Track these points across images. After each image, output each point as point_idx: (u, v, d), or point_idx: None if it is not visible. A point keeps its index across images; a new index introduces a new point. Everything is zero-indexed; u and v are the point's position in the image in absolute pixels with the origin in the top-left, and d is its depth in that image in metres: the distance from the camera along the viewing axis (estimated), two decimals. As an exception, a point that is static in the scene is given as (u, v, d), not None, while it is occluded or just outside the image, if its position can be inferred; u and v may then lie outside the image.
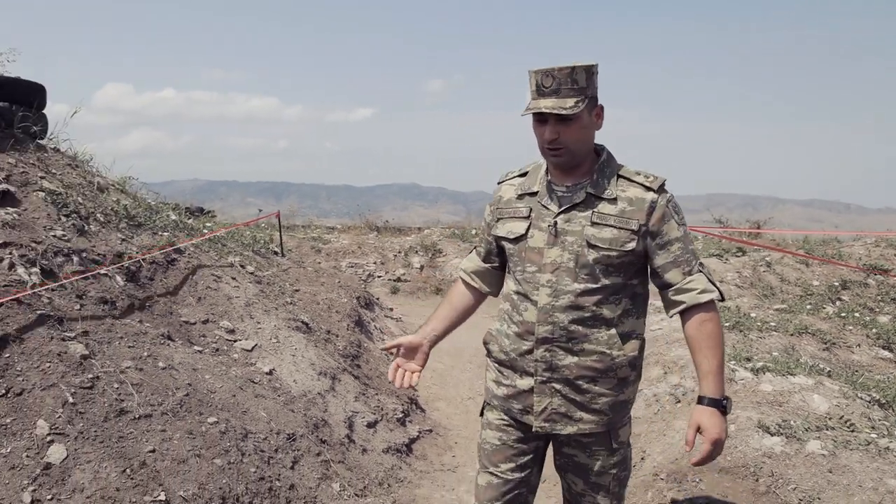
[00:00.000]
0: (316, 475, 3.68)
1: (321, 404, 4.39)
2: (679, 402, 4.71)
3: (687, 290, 1.91)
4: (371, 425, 4.64)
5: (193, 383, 3.69)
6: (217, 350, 4.33)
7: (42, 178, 4.73)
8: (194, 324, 4.49)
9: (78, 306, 3.82)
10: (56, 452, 2.90)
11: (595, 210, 1.93)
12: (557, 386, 1.98)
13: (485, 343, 2.20)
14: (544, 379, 1.98)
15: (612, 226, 1.89)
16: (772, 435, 4.01)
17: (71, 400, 3.11)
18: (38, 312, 3.53)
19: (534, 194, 2.04)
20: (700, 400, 1.90)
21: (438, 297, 10.55)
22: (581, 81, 1.84)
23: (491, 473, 2.15)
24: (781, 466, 3.73)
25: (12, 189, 4.34)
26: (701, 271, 1.93)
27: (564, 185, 1.99)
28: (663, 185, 1.94)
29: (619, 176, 1.96)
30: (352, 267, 11.03)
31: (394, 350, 2.20)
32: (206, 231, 5.94)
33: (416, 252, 11.67)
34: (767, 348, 5.52)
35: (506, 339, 2.08)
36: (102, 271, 4.24)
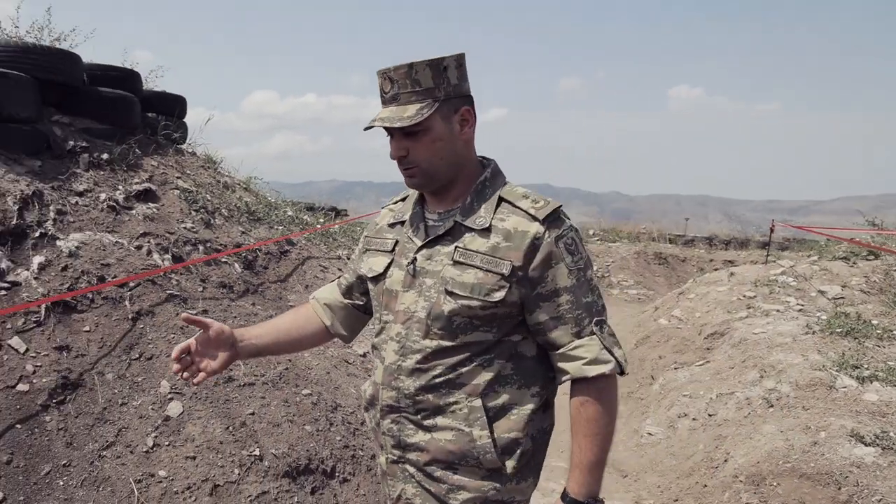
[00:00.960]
0: (397, 449, 4.11)
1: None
2: (772, 406, 4.67)
3: (572, 357, 1.45)
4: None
5: (293, 360, 4.23)
6: (318, 333, 4.90)
7: (178, 178, 5.54)
8: (300, 309, 5.10)
9: (201, 288, 4.51)
10: (174, 408, 3.52)
11: (461, 245, 1.48)
12: (411, 469, 1.56)
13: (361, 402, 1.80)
14: (394, 458, 1.59)
15: (476, 266, 1.43)
16: (866, 445, 3.92)
17: (189, 366, 3.74)
18: (168, 292, 4.22)
19: (405, 223, 1.62)
20: (563, 496, 1.48)
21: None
22: (425, 81, 1.42)
23: None
24: (870, 477, 3.66)
25: (153, 187, 5.15)
26: (595, 333, 1.44)
27: (436, 213, 1.57)
28: (555, 213, 1.46)
29: (502, 199, 1.50)
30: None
31: (196, 325, 1.64)
32: (317, 226, 6.60)
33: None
34: (884, 357, 5.27)
35: (367, 401, 1.68)
36: (223, 259, 4.94)
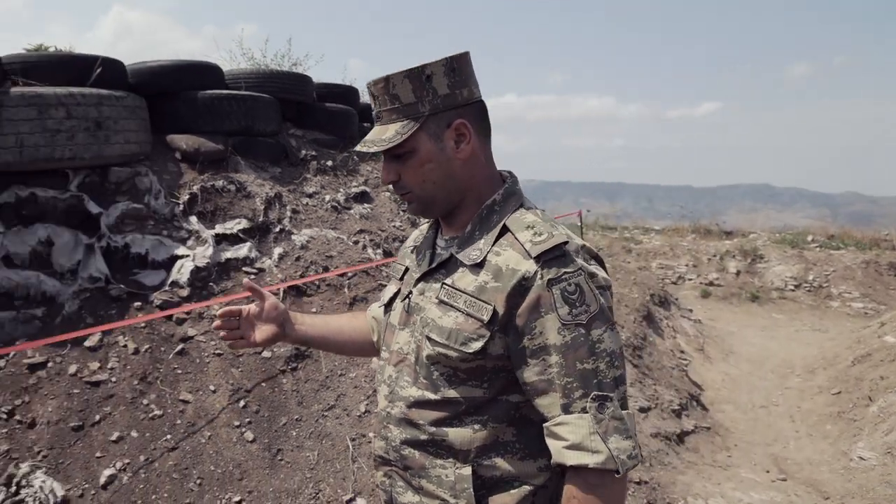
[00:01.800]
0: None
1: (595, 384, 5.06)
2: None
3: (555, 434, 1.19)
4: (643, 410, 5.13)
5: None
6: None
7: (388, 180, 6.28)
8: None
9: (406, 280, 5.13)
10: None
11: (447, 282, 1.29)
12: None
13: None
14: None
15: (458, 309, 1.25)
16: None
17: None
18: (378, 282, 4.88)
19: (417, 247, 1.47)
20: None
21: (754, 305, 10.24)
22: (405, 96, 1.24)
23: None
24: None
25: (368, 190, 5.91)
26: (588, 412, 1.16)
27: (444, 239, 1.39)
28: (555, 250, 1.20)
29: (506, 228, 1.27)
30: (661, 268, 11.30)
31: (254, 295, 1.61)
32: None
33: (733, 256, 11.41)
34: None
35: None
36: (426, 255, 5.54)
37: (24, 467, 2.94)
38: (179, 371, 3.73)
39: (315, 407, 3.86)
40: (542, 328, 1.18)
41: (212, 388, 3.71)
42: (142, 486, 3.10)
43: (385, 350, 1.43)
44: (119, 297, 3.89)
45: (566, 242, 1.21)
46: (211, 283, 4.27)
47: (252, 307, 1.59)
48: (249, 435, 3.54)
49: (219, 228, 4.53)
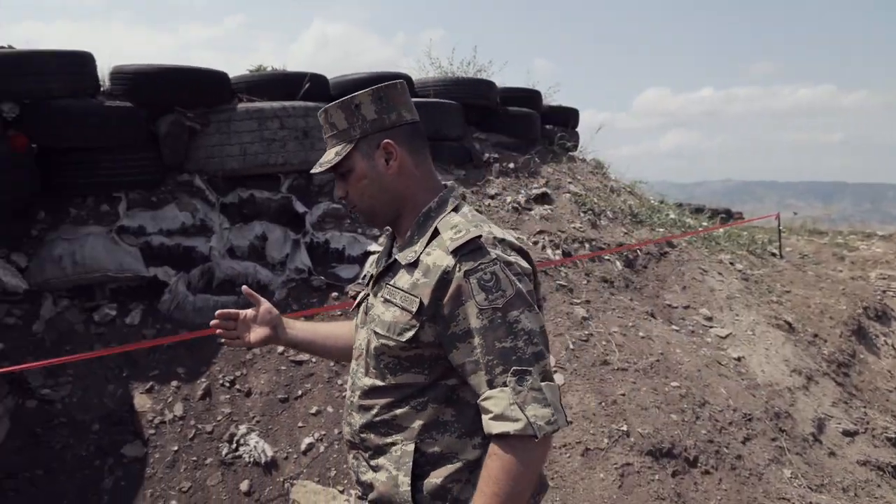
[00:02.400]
0: (767, 456, 4.16)
1: (787, 398, 4.76)
2: None
3: (483, 409, 1.33)
4: (848, 434, 4.74)
5: (665, 353, 4.61)
6: (692, 332, 5.16)
7: (570, 183, 6.37)
8: (675, 307, 5.42)
9: (585, 281, 5.20)
10: (557, 380, 4.23)
11: (390, 282, 1.47)
12: None
13: None
14: (359, 494, 1.59)
15: (395, 304, 1.43)
16: None
17: (571, 346, 4.42)
18: (557, 283, 5.00)
19: (378, 254, 1.69)
20: None
21: None
22: (340, 123, 1.47)
23: None
24: None
25: (549, 191, 6.05)
26: (509, 385, 1.30)
27: (397, 246, 1.57)
28: (470, 244, 1.36)
29: (437, 231, 1.44)
30: (882, 279, 10.15)
31: (251, 299, 1.80)
32: (699, 228, 6.79)
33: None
34: None
35: None
36: (606, 257, 5.56)
37: (242, 429, 3.47)
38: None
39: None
40: (464, 314, 1.34)
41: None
42: (335, 455, 3.51)
43: (355, 348, 1.60)
44: (319, 288, 4.40)
45: (480, 237, 1.36)
46: (398, 278, 4.67)
47: (249, 311, 1.77)
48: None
49: (406, 227, 4.93)
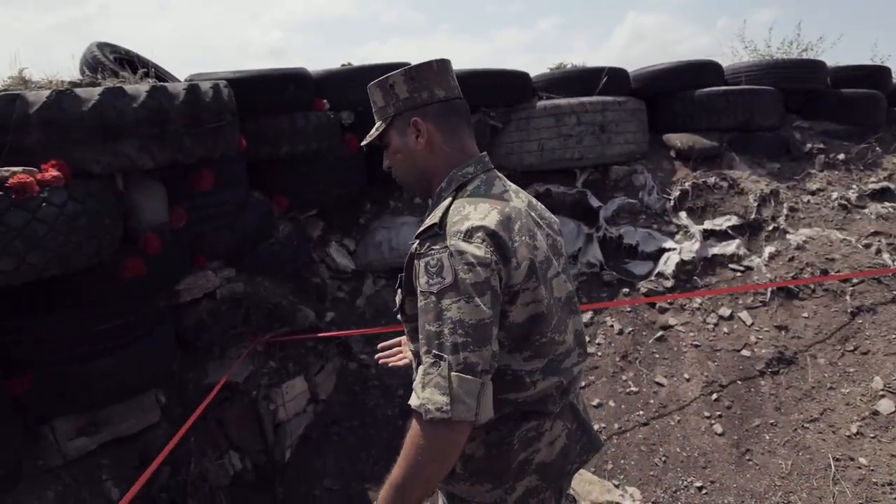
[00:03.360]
0: None
1: None
2: None
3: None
4: None
5: None
6: None
7: (921, 175, 5.44)
8: None
9: (931, 293, 4.43)
10: (885, 405, 3.71)
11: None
12: None
13: None
14: None
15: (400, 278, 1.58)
16: None
17: (905, 367, 3.83)
18: (894, 293, 4.35)
19: None
20: None
21: None
22: (379, 101, 1.62)
23: None
24: None
25: (891, 186, 5.26)
26: (423, 364, 1.35)
27: None
28: (428, 231, 1.45)
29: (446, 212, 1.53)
30: None
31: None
32: None
33: None
34: None
35: None
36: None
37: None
38: (657, 355, 4.09)
39: (794, 416, 3.73)
40: (416, 293, 1.43)
41: (686, 376, 3.95)
42: (613, 449, 3.56)
43: None
44: (609, 283, 4.46)
45: (437, 224, 1.44)
46: (695, 277, 4.50)
47: (404, 337, 1.92)
48: (718, 428, 3.67)
49: (707, 224, 4.73)
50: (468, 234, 1.43)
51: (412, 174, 1.64)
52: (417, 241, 1.47)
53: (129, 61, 3.83)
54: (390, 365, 1.98)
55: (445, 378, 1.35)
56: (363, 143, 1.70)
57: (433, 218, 1.48)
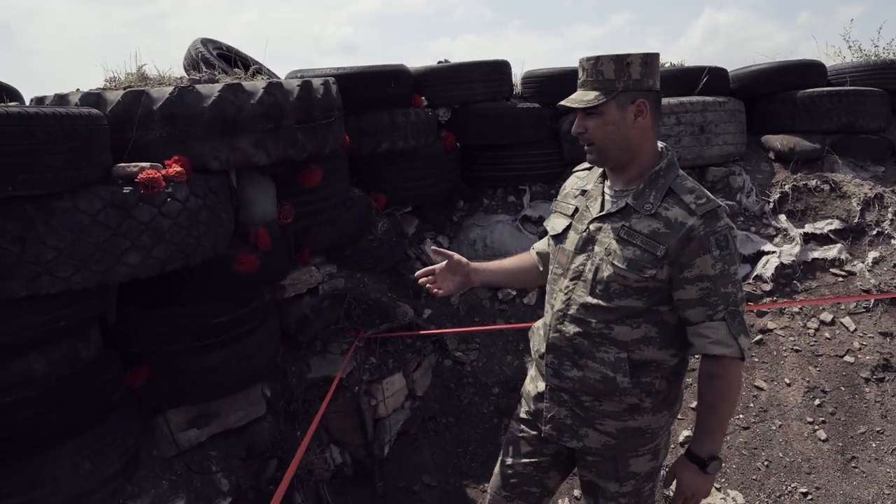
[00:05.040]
0: None
1: None
2: None
3: (700, 334, 1.67)
4: None
5: None
6: None
7: None
8: None
9: None
10: None
11: (627, 224, 1.71)
12: (565, 396, 1.86)
13: (529, 336, 2.07)
14: (553, 386, 1.87)
15: (637, 245, 1.67)
16: None
17: None
18: None
19: (585, 192, 1.87)
20: (687, 453, 1.76)
21: None
22: (608, 73, 1.66)
23: (503, 464, 2.05)
24: None
25: None
26: (725, 320, 1.64)
27: (613, 189, 1.79)
28: (713, 211, 1.65)
29: (671, 190, 1.69)
30: None
31: (442, 256, 2.07)
32: None
33: None
34: None
35: (536, 337, 1.98)
36: None
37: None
38: (756, 360, 3.78)
39: (907, 426, 3.39)
40: (700, 263, 1.62)
41: (786, 381, 3.64)
42: (718, 460, 3.30)
43: (558, 267, 1.85)
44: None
45: (720, 206, 1.66)
46: (795, 281, 4.15)
47: (442, 264, 2.06)
48: (822, 434, 3.37)
49: (808, 228, 4.35)
50: (726, 212, 1.68)
51: (617, 147, 1.70)
52: (702, 220, 1.62)
53: (229, 58, 3.72)
54: (432, 292, 2.09)
55: (744, 325, 1.66)
56: (574, 105, 1.70)
57: (707, 202, 1.65)
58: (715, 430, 1.71)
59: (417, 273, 2.12)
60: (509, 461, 2.01)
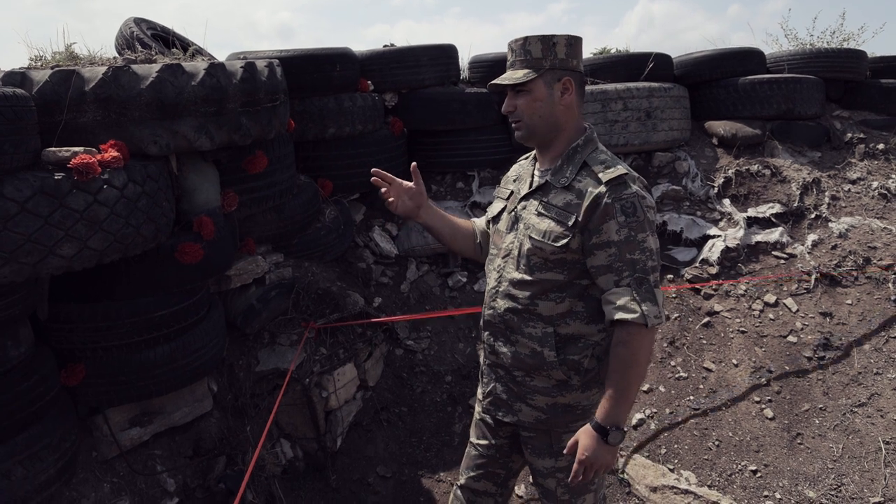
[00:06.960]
0: None
1: None
2: None
3: (607, 301, 1.71)
4: None
5: None
6: None
7: (958, 165, 5.18)
8: None
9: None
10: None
11: (546, 199, 1.80)
12: (501, 372, 1.93)
13: None
14: (491, 362, 1.97)
15: (551, 218, 1.76)
16: None
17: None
18: (939, 284, 4.12)
19: (519, 178, 1.98)
20: (591, 420, 1.74)
21: None
22: (535, 52, 1.74)
23: (471, 444, 2.11)
24: None
25: (928, 176, 5.00)
26: (630, 286, 1.67)
27: (540, 170, 1.88)
28: (619, 179, 1.71)
29: (585, 164, 1.77)
30: None
31: (416, 176, 2.05)
32: None
33: None
34: None
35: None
36: None
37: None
38: (704, 341, 3.88)
39: (842, 401, 3.53)
40: (606, 230, 1.68)
41: (734, 361, 3.75)
42: (665, 434, 3.37)
43: (494, 248, 1.95)
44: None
45: (626, 174, 1.71)
46: (739, 264, 4.28)
47: (406, 183, 2.03)
48: (769, 412, 3.48)
49: (751, 212, 4.49)
50: (640, 183, 1.74)
51: (544, 123, 1.78)
52: (607, 187, 1.68)
53: (166, 39, 3.56)
54: (383, 193, 2.01)
55: (651, 293, 1.66)
56: (504, 82, 1.77)
57: (614, 170, 1.70)
58: (619, 399, 1.67)
59: (376, 170, 2.04)
60: (474, 441, 2.09)
